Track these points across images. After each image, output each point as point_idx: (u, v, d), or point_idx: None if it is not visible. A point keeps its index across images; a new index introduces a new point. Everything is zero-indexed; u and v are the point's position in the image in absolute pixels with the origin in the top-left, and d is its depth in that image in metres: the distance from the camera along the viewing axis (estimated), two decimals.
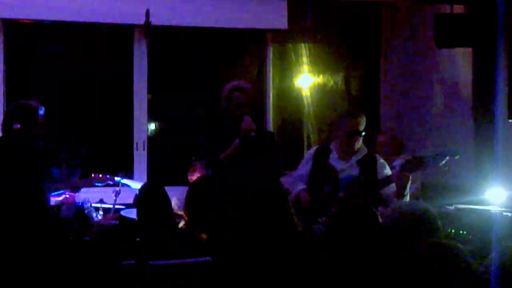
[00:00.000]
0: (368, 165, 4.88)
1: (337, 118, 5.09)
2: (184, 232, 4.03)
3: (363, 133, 4.89)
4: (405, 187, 4.62)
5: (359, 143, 4.90)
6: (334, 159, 4.92)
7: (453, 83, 6.37)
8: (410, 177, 4.63)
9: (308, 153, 5.14)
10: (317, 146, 5.19)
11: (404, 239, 2.98)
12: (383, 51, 7.24)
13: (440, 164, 4.64)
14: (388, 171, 4.89)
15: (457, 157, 4.72)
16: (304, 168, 5.07)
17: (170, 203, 3.95)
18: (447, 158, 4.64)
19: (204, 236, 3.87)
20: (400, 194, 4.63)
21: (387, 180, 4.74)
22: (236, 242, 3.50)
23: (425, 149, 5.97)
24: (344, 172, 4.87)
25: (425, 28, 6.13)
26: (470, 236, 4.81)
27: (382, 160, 4.96)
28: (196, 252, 3.72)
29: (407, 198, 4.70)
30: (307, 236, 4.74)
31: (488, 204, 5.02)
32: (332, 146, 4.97)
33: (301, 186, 4.95)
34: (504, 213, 4.75)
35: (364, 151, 4.95)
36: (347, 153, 4.91)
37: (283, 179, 5.04)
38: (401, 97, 7.14)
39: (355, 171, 4.86)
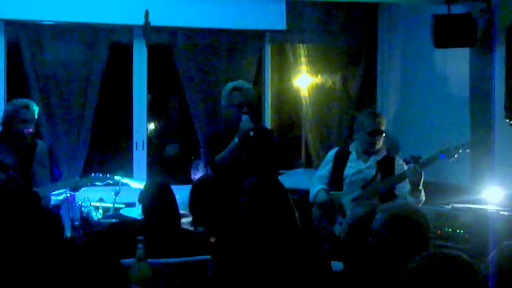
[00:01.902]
0: (386, 166, 4.90)
1: (356, 119, 5.10)
2: (188, 232, 4.07)
3: (384, 134, 4.92)
4: (418, 182, 4.63)
5: (381, 143, 4.93)
6: (353, 159, 4.96)
7: (450, 83, 6.39)
8: (423, 173, 4.64)
9: (329, 154, 5.17)
10: (337, 148, 5.22)
11: (397, 242, 2.97)
12: (381, 51, 7.27)
13: (452, 159, 4.66)
14: None
15: (468, 150, 4.74)
16: (324, 169, 5.11)
17: (176, 202, 3.98)
18: (460, 151, 4.66)
19: (212, 240, 3.89)
20: (415, 190, 4.64)
21: (402, 176, 4.75)
22: (238, 241, 3.52)
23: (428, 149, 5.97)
24: (363, 173, 4.91)
25: (422, 28, 6.16)
26: (467, 235, 4.84)
27: (401, 162, 4.97)
28: (198, 251, 3.75)
29: (422, 195, 4.70)
30: (321, 234, 4.81)
31: (484, 204, 5.06)
32: (351, 147, 5.01)
33: (320, 186, 5.00)
34: (501, 212, 4.78)
35: (383, 152, 4.98)
36: (366, 153, 4.94)
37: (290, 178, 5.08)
38: (398, 97, 7.17)
39: (373, 172, 4.89)
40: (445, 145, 4.70)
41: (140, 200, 4.07)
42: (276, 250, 3.38)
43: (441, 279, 2.25)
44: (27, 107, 5.00)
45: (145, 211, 3.97)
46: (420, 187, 4.65)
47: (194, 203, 4.15)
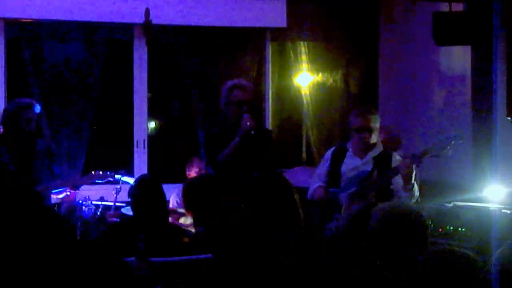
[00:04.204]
0: (383, 161, 4.91)
1: (349, 116, 5.14)
2: (179, 228, 4.07)
3: (373, 130, 4.90)
4: (410, 177, 4.63)
5: (373, 140, 4.93)
6: (349, 156, 4.98)
7: (451, 81, 6.39)
8: (414, 167, 4.64)
9: (327, 153, 5.20)
10: (335, 146, 5.25)
11: (395, 242, 2.96)
12: (382, 49, 7.26)
13: (445, 151, 4.65)
14: None
15: (460, 141, 4.73)
16: (322, 167, 5.14)
17: (165, 198, 3.98)
18: (452, 143, 4.65)
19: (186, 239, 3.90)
20: (407, 184, 4.64)
21: (394, 170, 4.76)
22: (240, 239, 3.52)
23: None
24: (359, 169, 4.92)
25: (424, 26, 6.15)
26: (468, 234, 4.84)
27: (398, 157, 4.98)
28: (191, 249, 3.74)
29: (416, 190, 4.70)
30: (318, 234, 4.82)
31: (486, 202, 5.05)
32: (348, 145, 5.04)
33: (317, 184, 5.03)
34: (503, 210, 4.77)
35: (380, 148, 4.99)
36: (362, 150, 4.95)
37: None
38: (400, 94, 7.16)
39: (369, 167, 4.91)
40: (437, 138, 4.69)
41: (128, 195, 4.07)
42: (277, 248, 3.37)
43: (445, 277, 2.24)
44: (30, 106, 5.01)
45: (132, 206, 3.97)
46: (413, 181, 4.65)
47: (192, 204, 4.13)
